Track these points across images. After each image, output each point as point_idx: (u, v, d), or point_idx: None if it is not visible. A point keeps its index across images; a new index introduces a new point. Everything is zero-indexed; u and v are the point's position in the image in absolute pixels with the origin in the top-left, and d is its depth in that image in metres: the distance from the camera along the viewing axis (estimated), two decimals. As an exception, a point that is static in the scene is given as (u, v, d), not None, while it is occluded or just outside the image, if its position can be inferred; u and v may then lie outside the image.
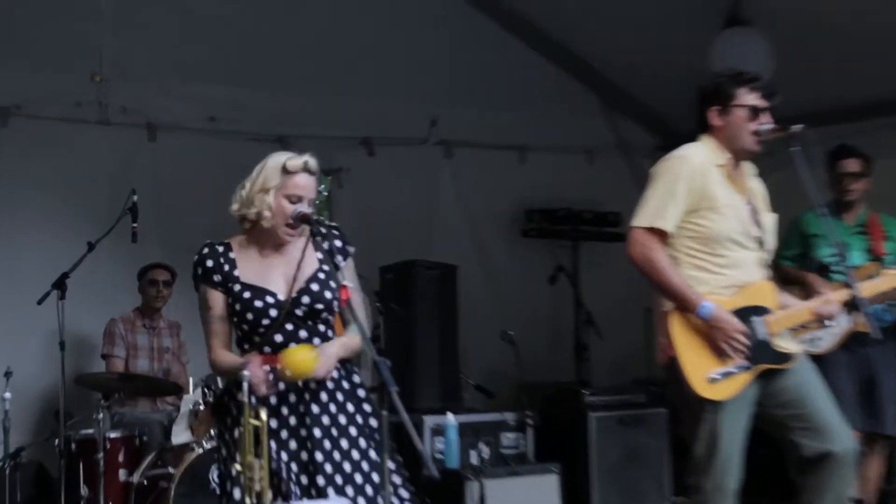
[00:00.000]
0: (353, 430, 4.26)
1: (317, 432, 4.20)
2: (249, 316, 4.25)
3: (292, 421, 4.24)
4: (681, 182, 4.60)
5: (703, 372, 4.52)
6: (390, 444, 3.96)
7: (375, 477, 4.20)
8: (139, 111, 7.61)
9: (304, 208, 4.26)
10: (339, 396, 4.28)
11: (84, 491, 6.31)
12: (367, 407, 4.32)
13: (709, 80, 4.84)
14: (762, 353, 4.58)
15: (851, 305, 4.81)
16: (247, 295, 4.25)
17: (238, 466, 4.09)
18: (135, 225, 6.44)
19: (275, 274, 4.30)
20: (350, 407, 4.29)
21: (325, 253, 4.28)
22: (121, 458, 6.42)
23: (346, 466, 4.19)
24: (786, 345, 4.66)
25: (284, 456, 4.19)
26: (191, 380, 6.85)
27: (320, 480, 4.14)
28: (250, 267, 4.31)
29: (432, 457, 6.85)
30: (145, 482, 6.27)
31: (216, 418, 4.43)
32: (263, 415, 4.07)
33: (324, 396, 4.25)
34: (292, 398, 4.24)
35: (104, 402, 6.42)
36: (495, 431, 7.26)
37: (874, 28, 7.01)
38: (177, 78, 7.70)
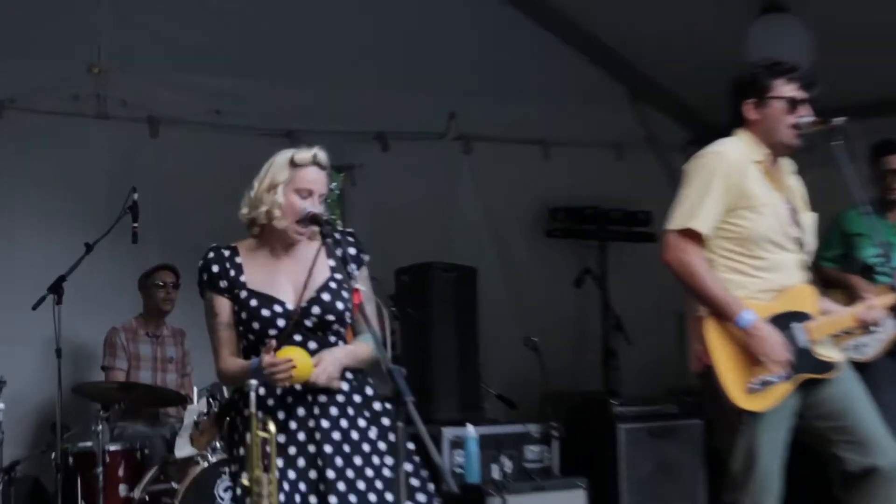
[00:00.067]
0: (366, 447, 4.23)
1: (327, 448, 4.17)
2: (256, 325, 4.23)
3: (301, 437, 4.20)
4: (717, 179, 4.57)
5: (741, 381, 4.50)
6: (406, 449, 3.94)
7: (390, 497, 4.15)
8: (140, 104, 7.59)
9: (315, 207, 4.24)
10: (350, 411, 4.25)
11: (82, 507, 6.32)
12: (385, 421, 4.27)
13: (744, 70, 4.82)
14: (803, 362, 4.56)
15: (898, 310, 4.80)
16: (253, 303, 4.23)
17: (245, 480, 4.08)
18: (135, 225, 6.45)
19: (283, 280, 4.27)
20: (361, 422, 4.25)
21: (338, 260, 4.25)
22: (121, 472, 6.41)
23: (360, 485, 4.16)
24: (828, 353, 4.65)
25: (292, 474, 4.15)
26: (195, 389, 6.85)
27: (332, 500, 4.11)
28: (258, 272, 4.29)
29: (451, 471, 6.85)
30: (147, 498, 6.26)
31: (222, 433, 4.42)
32: (272, 426, 4.06)
33: (334, 411, 4.22)
34: (301, 412, 4.21)
35: (103, 413, 6.43)
36: (518, 444, 7.24)
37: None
38: (180, 69, 7.68)
